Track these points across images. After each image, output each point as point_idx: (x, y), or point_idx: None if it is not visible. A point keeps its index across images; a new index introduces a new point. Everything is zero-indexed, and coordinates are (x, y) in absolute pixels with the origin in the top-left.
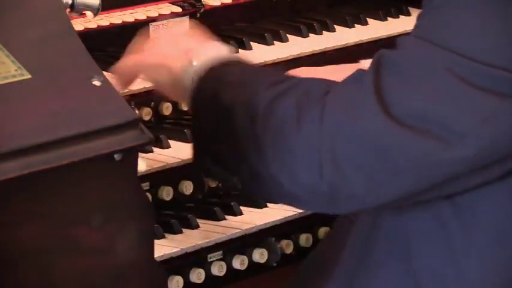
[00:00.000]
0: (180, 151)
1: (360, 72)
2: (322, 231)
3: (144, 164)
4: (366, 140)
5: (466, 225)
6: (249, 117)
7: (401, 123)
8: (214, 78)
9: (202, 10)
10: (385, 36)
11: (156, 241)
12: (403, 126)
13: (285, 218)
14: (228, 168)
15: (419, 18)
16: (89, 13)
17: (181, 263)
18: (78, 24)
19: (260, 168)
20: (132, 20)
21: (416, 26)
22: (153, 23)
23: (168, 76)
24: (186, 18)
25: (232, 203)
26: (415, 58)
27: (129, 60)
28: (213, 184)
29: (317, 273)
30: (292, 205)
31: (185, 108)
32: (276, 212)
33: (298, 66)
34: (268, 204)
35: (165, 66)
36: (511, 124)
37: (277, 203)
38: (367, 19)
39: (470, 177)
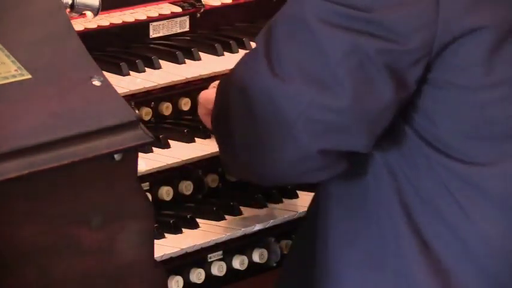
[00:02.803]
0: (180, 151)
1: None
2: None
3: (144, 164)
4: (261, 97)
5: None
6: None
7: (282, 77)
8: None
9: (202, 10)
10: None
11: (156, 241)
12: (284, 80)
13: (285, 218)
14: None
15: None
16: (89, 13)
17: (181, 263)
18: (78, 24)
19: None
20: (132, 20)
21: None
22: (153, 23)
23: None
24: (186, 18)
25: (232, 203)
26: (290, 14)
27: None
28: (213, 184)
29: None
30: None
31: (185, 108)
32: (276, 212)
33: None
34: (268, 204)
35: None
36: (372, 59)
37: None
38: None
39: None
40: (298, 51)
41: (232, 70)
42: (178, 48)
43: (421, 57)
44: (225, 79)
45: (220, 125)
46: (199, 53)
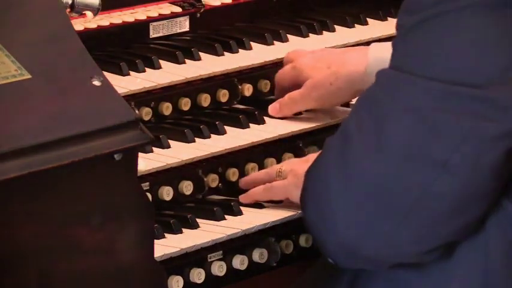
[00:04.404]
0: (180, 151)
1: (344, 122)
2: None
3: (144, 164)
4: (366, 185)
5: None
6: None
7: (391, 164)
8: None
9: (202, 10)
10: (385, 36)
11: (156, 241)
12: (393, 166)
13: (285, 218)
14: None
15: (394, 45)
16: (89, 13)
17: (181, 263)
18: (78, 24)
19: None
20: (132, 20)
21: (392, 55)
22: (153, 23)
23: None
24: (186, 18)
25: (232, 203)
26: (390, 93)
27: None
28: (213, 184)
29: (324, 273)
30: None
31: (185, 108)
32: (276, 212)
33: None
34: (267, 204)
35: None
36: (489, 145)
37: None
38: (367, 19)
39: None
40: (408, 137)
41: (320, 157)
42: (178, 48)
43: None
44: (314, 166)
45: (309, 212)
46: (199, 53)
